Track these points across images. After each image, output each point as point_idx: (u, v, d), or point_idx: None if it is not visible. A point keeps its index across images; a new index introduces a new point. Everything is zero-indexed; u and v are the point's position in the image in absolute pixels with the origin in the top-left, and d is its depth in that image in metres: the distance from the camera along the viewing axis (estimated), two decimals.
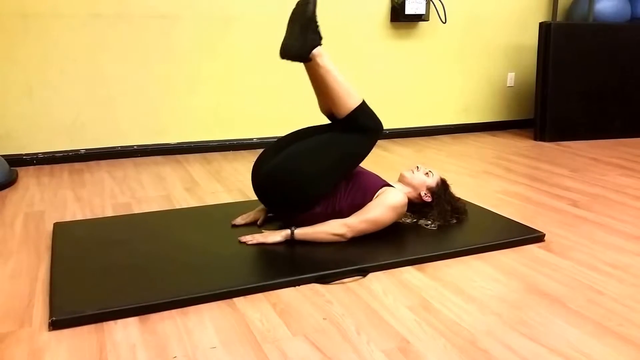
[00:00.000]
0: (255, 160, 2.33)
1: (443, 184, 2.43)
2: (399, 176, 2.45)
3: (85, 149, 3.63)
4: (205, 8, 3.73)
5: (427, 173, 2.42)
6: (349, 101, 2.18)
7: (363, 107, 2.21)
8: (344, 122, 2.21)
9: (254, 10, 3.84)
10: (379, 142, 4.23)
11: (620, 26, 4.48)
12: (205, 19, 3.75)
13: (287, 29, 2.18)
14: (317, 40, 2.14)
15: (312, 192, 2.17)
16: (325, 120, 2.35)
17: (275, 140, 2.35)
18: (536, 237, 2.30)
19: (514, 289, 1.89)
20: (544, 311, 1.75)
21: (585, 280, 1.96)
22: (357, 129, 2.20)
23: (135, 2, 3.57)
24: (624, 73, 4.40)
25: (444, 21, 4.34)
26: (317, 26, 2.15)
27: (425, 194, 2.38)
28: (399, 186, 2.38)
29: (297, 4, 2.16)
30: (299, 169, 2.15)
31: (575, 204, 2.81)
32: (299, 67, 3.97)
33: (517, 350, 1.53)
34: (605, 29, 4.38)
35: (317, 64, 2.15)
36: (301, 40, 2.12)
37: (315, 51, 2.13)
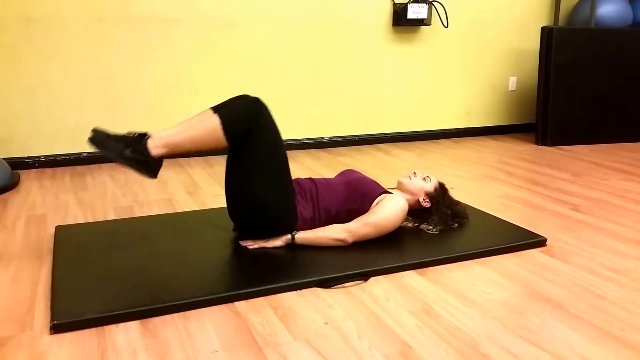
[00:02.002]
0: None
1: (441, 189, 2.41)
2: (397, 183, 2.44)
3: (87, 152, 3.63)
4: (207, 12, 3.74)
5: (424, 178, 2.40)
6: (216, 136, 1.99)
7: (226, 120, 1.99)
8: (235, 144, 2.05)
9: (255, 13, 3.85)
10: (381, 145, 4.26)
11: (622, 31, 4.48)
12: (207, 23, 3.76)
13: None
14: (137, 149, 1.93)
15: (280, 204, 2.12)
16: None
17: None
18: (538, 242, 2.30)
19: (515, 294, 1.89)
20: (545, 316, 1.75)
21: (587, 284, 1.96)
22: (247, 132, 2.02)
23: (138, 5, 3.58)
24: (625, 77, 4.40)
25: (445, 25, 4.35)
26: (126, 138, 1.94)
27: (424, 199, 2.37)
28: (397, 193, 2.35)
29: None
30: (259, 198, 2.09)
31: (576, 208, 2.80)
32: (301, 70, 3.97)
33: (519, 355, 1.53)
34: (607, 34, 4.39)
35: (168, 151, 1.98)
36: (135, 163, 1.94)
37: (153, 150, 1.94)
